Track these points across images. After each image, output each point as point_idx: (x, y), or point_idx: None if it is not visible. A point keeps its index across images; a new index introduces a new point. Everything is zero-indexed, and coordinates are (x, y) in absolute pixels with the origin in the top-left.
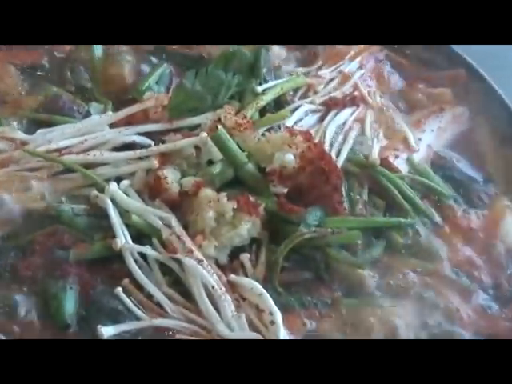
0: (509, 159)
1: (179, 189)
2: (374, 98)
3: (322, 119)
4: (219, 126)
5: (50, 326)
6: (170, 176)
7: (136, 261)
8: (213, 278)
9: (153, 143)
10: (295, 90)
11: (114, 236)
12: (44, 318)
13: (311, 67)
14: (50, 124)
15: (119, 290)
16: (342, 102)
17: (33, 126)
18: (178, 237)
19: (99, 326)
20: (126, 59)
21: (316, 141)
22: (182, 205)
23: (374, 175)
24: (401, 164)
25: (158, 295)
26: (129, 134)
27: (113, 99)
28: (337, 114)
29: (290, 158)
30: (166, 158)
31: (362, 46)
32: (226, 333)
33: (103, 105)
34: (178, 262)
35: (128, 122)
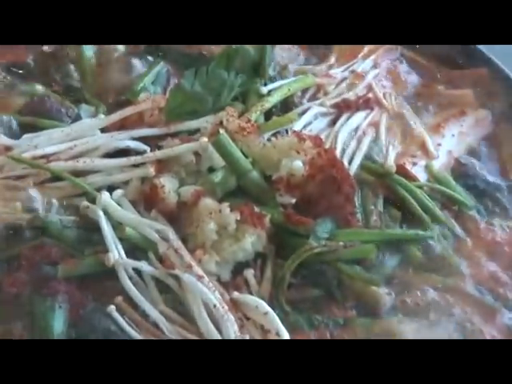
0: None
1: (177, 199)
2: (390, 100)
3: (333, 123)
4: (221, 130)
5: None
6: (168, 185)
7: (130, 277)
8: (214, 295)
9: (148, 149)
10: (304, 91)
11: (106, 250)
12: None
13: (321, 66)
14: (36, 128)
15: (112, 308)
16: (355, 105)
17: (18, 130)
18: (176, 251)
19: None
20: (119, 57)
21: (327, 146)
22: (180, 216)
23: (390, 184)
24: (419, 172)
25: (154, 314)
26: (122, 139)
27: (105, 101)
28: (349, 117)
29: (298, 166)
30: (162, 166)
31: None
32: None
33: (94, 107)
34: (176, 278)
35: (121, 125)
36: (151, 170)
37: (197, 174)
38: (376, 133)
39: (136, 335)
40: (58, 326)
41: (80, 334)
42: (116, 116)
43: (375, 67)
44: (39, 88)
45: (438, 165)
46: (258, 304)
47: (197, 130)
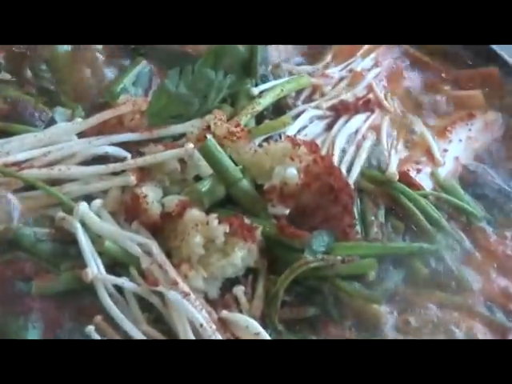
0: None
1: (161, 210)
2: (392, 102)
3: (329, 127)
4: (208, 136)
5: None
6: (150, 194)
7: (110, 295)
8: (201, 314)
9: (129, 156)
10: (298, 92)
11: (84, 265)
12: None
13: (317, 65)
14: (7, 133)
15: (91, 328)
16: (354, 107)
17: None
18: (160, 266)
19: None
20: (96, 56)
21: (323, 153)
22: (164, 228)
23: (392, 193)
24: (424, 179)
25: (137, 335)
26: (101, 145)
27: (82, 103)
28: (348, 120)
29: (292, 173)
30: (144, 174)
31: None
32: None
33: (70, 110)
34: (160, 295)
35: (100, 130)
36: (132, 179)
37: (182, 182)
38: (377, 137)
39: None
40: None
41: None
42: (94, 120)
43: (376, 66)
44: (10, 90)
45: (444, 172)
46: (249, 324)
47: (182, 135)
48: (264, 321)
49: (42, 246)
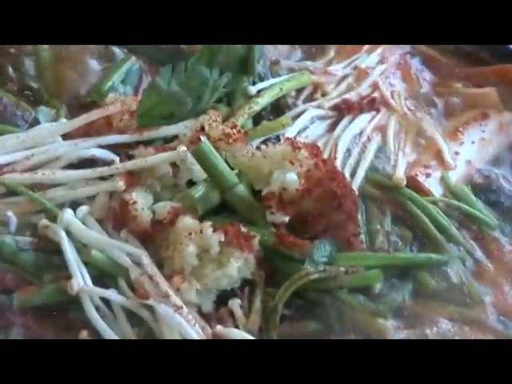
0: None
1: (151, 217)
2: (399, 101)
3: (332, 128)
4: (202, 138)
5: None
6: (140, 201)
7: (97, 308)
8: (194, 329)
9: (118, 159)
10: (298, 91)
11: (69, 277)
12: None
13: (319, 61)
14: None
15: None
16: (358, 106)
17: None
18: (151, 278)
19: None
20: (84, 52)
21: (325, 156)
22: (155, 237)
23: (399, 199)
24: (433, 185)
25: None
26: (87, 148)
27: (67, 103)
28: (351, 121)
29: (291, 179)
30: (134, 178)
31: None
32: None
33: (55, 110)
34: (151, 309)
35: (86, 131)
36: (121, 184)
37: (174, 188)
38: (383, 139)
39: None
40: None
41: None
42: (80, 120)
43: (382, 62)
44: None
45: (455, 177)
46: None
47: (174, 137)
48: (262, 336)
49: (24, 255)
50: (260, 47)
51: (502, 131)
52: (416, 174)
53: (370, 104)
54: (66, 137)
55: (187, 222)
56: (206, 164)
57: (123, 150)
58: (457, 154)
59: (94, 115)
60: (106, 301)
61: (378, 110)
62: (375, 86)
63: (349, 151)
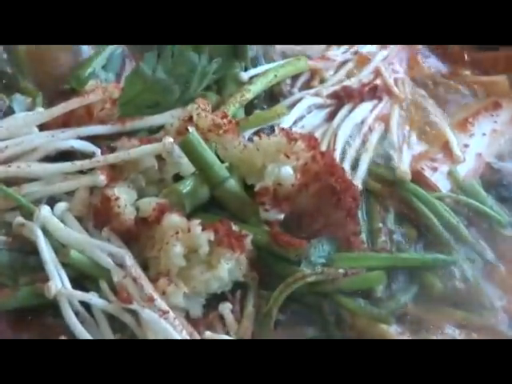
0: None
1: (135, 214)
2: (403, 88)
3: (331, 117)
4: (190, 128)
5: None
6: (123, 197)
7: (76, 312)
8: (181, 335)
9: (99, 151)
10: (294, 78)
11: (46, 279)
12: None
13: (316, 46)
14: None
15: None
16: (359, 94)
17: None
18: (134, 280)
19: None
20: None
21: (323, 148)
22: (139, 236)
23: (404, 195)
24: (440, 179)
25: None
26: (66, 139)
27: (44, 90)
28: (352, 109)
29: (287, 173)
30: (116, 172)
31: None
32: None
33: (31, 98)
34: (134, 314)
35: (65, 121)
36: (102, 178)
37: (160, 183)
38: (386, 129)
39: None
40: None
41: None
42: (58, 109)
43: (385, 47)
44: None
45: (464, 171)
46: None
47: (160, 128)
48: None
49: None
50: None
51: None
52: (422, 168)
53: (372, 92)
54: (42, 127)
55: (174, 219)
56: (194, 157)
57: (105, 142)
58: (466, 146)
59: (73, 104)
60: (85, 305)
61: (380, 98)
62: (377, 73)
63: (349, 143)
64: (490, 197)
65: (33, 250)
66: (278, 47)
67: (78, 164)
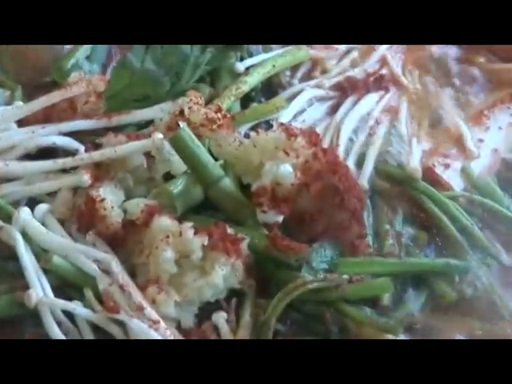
0: None
1: (122, 217)
2: (412, 78)
3: (333, 110)
4: (181, 123)
5: None
6: (109, 198)
7: (59, 323)
8: None
9: (83, 148)
10: (294, 68)
11: (26, 286)
12: None
13: None
14: None
15: None
16: (364, 85)
17: None
18: (122, 288)
19: None
20: None
21: (325, 144)
22: (126, 241)
23: (413, 194)
24: (453, 177)
25: None
26: (47, 135)
27: (23, 83)
28: (356, 102)
29: (286, 171)
30: (102, 171)
31: None
32: None
33: (9, 91)
34: (121, 324)
35: (46, 116)
36: (86, 178)
37: (149, 182)
38: (393, 123)
39: None
40: None
41: None
42: (38, 103)
43: None
44: None
45: (478, 168)
46: None
47: (149, 123)
48: None
49: None
50: None
51: None
52: (433, 165)
53: (378, 82)
54: (22, 123)
55: (164, 222)
56: (185, 154)
57: (89, 138)
58: (481, 141)
59: (54, 97)
60: (69, 314)
61: (387, 89)
62: (383, 62)
63: (353, 138)
64: (507, 196)
65: (12, 256)
66: None
67: (61, 162)
